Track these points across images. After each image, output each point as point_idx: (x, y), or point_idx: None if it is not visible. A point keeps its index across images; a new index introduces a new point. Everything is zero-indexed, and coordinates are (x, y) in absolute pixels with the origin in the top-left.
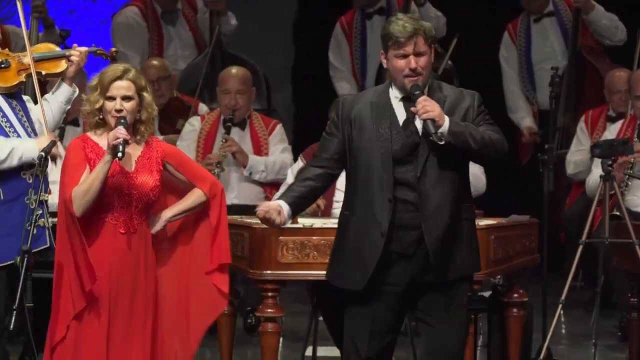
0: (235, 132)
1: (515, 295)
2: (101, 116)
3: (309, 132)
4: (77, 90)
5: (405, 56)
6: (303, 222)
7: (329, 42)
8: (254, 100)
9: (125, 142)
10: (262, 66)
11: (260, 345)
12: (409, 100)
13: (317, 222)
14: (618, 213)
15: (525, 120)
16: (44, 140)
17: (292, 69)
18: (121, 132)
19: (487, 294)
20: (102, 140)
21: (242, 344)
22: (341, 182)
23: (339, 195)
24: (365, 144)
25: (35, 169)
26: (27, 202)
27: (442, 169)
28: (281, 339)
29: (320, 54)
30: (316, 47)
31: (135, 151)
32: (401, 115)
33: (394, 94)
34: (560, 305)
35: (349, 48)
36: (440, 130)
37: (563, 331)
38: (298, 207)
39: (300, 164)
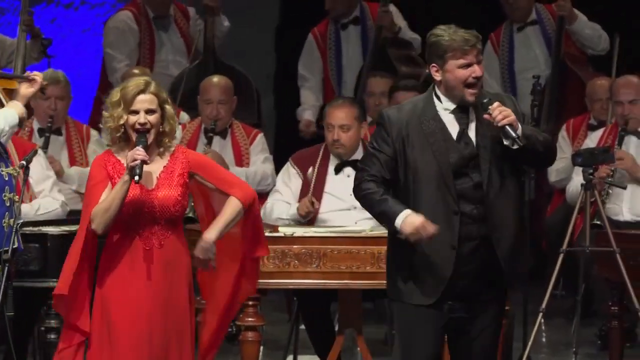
0: (216, 141)
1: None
2: (123, 131)
3: (290, 140)
4: (26, 114)
5: (468, 65)
6: (284, 231)
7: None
8: (244, 111)
9: (144, 163)
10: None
11: (241, 354)
12: (460, 111)
13: (298, 231)
14: (598, 222)
15: None
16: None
17: (274, 77)
18: (139, 153)
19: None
20: (122, 154)
21: (223, 353)
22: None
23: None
24: (420, 160)
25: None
26: (4, 198)
27: (503, 177)
28: (261, 348)
29: None
30: (298, 54)
31: (158, 165)
32: (452, 127)
33: (443, 106)
34: (540, 314)
35: (322, 59)
36: (516, 134)
37: (544, 340)
38: None
39: (289, 168)
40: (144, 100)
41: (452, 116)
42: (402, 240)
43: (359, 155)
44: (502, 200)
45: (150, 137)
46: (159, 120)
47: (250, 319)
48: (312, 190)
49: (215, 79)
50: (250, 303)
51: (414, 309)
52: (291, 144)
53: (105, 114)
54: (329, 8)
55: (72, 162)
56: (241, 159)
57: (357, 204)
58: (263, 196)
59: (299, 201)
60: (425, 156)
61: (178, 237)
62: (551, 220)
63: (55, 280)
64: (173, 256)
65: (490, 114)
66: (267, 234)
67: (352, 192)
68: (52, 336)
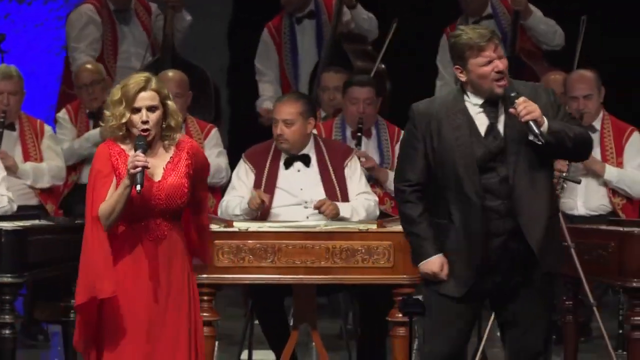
0: None
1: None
2: (125, 129)
3: (245, 134)
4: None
5: (489, 61)
6: (239, 225)
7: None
8: (202, 107)
9: (145, 168)
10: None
11: None
12: (489, 104)
13: (253, 226)
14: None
15: None
16: None
17: (228, 71)
18: (140, 159)
19: (422, 297)
20: (128, 148)
21: None
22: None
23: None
24: (446, 155)
25: None
26: None
27: (532, 170)
28: (216, 343)
29: (253, 58)
30: (252, 48)
31: (163, 158)
32: (480, 122)
33: (472, 101)
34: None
35: (278, 53)
36: (542, 130)
37: (498, 334)
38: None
39: (242, 165)
40: (145, 98)
41: (481, 110)
42: (440, 228)
43: (309, 149)
44: (530, 193)
45: (150, 136)
46: (160, 117)
47: (205, 314)
48: (264, 185)
49: (171, 73)
50: (205, 298)
51: (442, 299)
52: (246, 137)
53: (106, 112)
54: (284, 2)
55: (26, 157)
56: None
57: (308, 198)
58: (217, 189)
59: None
60: (452, 152)
61: (180, 229)
62: None
63: (9, 275)
64: (175, 248)
65: (515, 109)
66: (221, 229)
67: (302, 187)
68: (7, 332)
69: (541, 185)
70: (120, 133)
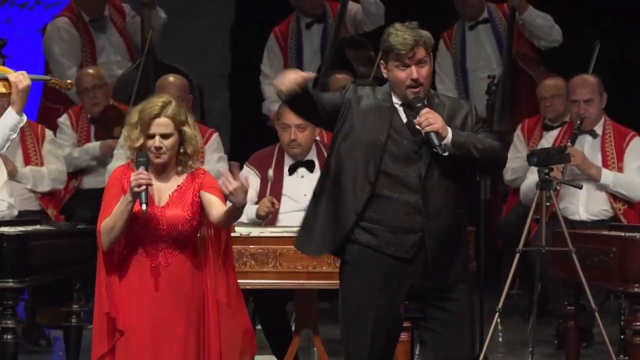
0: None
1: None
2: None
3: (246, 139)
4: (24, 118)
5: (406, 66)
6: (240, 231)
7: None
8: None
9: (148, 185)
10: (198, 72)
11: None
12: (408, 106)
13: (255, 231)
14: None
15: None
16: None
17: (229, 76)
18: (143, 177)
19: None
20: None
21: None
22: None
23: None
24: (362, 136)
25: None
26: None
27: (444, 173)
28: None
29: (257, 60)
30: (253, 52)
31: (172, 183)
32: (404, 117)
33: (395, 100)
34: (497, 314)
35: (284, 59)
36: (444, 142)
37: (500, 339)
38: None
39: (247, 170)
40: (159, 125)
41: (401, 109)
42: (316, 195)
43: (312, 155)
44: (441, 194)
45: (162, 160)
46: (175, 144)
47: None
48: (270, 192)
49: (171, 78)
50: None
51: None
52: (247, 142)
53: (124, 132)
54: (299, 5)
55: (27, 161)
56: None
57: None
58: None
59: (258, 200)
60: (368, 123)
61: (187, 258)
62: (507, 220)
63: (10, 280)
64: (180, 276)
65: (418, 119)
66: None
67: (305, 193)
68: (9, 337)
69: (451, 189)
70: (135, 154)
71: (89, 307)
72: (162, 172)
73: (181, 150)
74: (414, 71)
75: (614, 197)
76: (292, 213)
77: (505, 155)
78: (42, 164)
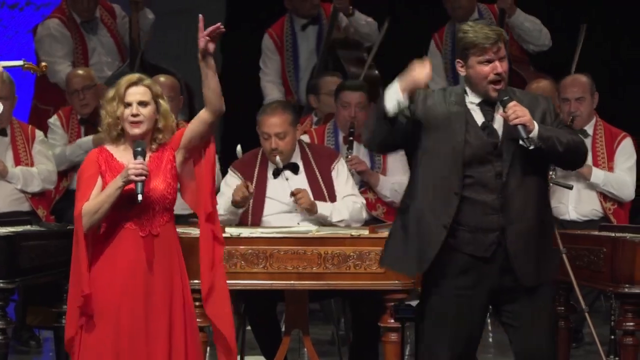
0: None
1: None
2: (120, 127)
3: (237, 140)
4: (1, 106)
5: (489, 62)
6: (230, 231)
7: (257, 49)
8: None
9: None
10: (187, 74)
11: None
12: (486, 104)
13: (245, 232)
14: None
15: None
16: None
17: (220, 77)
18: (143, 167)
19: (414, 302)
20: (119, 152)
21: None
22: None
23: (271, 206)
24: (439, 142)
25: None
26: None
27: (525, 172)
28: (208, 349)
29: (248, 61)
30: (245, 54)
31: (151, 161)
32: (479, 118)
33: (470, 100)
34: (487, 314)
35: (281, 59)
36: (530, 135)
37: (490, 340)
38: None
39: (230, 175)
40: (136, 92)
41: (477, 109)
42: (400, 212)
43: (296, 157)
44: (522, 193)
45: (142, 129)
46: (153, 114)
47: (197, 320)
48: (254, 196)
49: (162, 78)
50: (197, 304)
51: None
52: (238, 143)
53: (102, 112)
54: (293, 7)
55: (17, 162)
56: None
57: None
58: None
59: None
60: (443, 139)
61: (172, 224)
62: None
63: (0, 280)
64: (169, 242)
65: (505, 112)
66: None
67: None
68: None
69: (533, 187)
70: (115, 133)
71: None
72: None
73: (155, 126)
74: (497, 65)
75: (604, 196)
76: (277, 215)
77: (586, 151)
78: (32, 165)
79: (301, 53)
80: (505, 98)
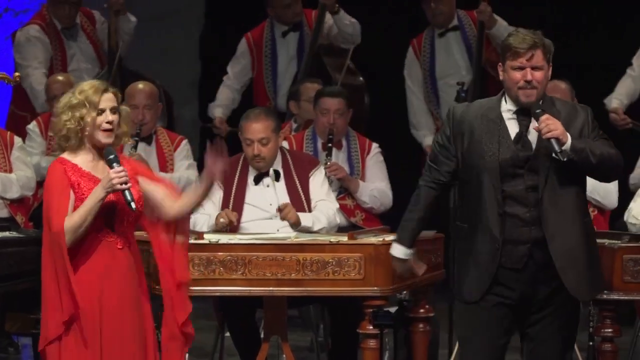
0: (141, 147)
1: (422, 310)
2: (79, 136)
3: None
4: None
5: (521, 68)
6: (209, 238)
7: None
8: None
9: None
10: (167, 80)
11: None
12: (522, 113)
13: (223, 238)
14: None
15: (427, 139)
16: None
17: (199, 84)
18: (124, 175)
19: (393, 309)
20: (85, 162)
21: None
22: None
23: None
24: (474, 158)
25: None
26: None
27: (562, 184)
28: (187, 355)
29: (227, 66)
30: (223, 62)
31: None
32: (512, 128)
33: (507, 107)
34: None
35: (257, 65)
36: (563, 148)
37: None
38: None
39: None
40: (108, 99)
41: (514, 117)
42: (459, 237)
43: (277, 165)
44: (559, 205)
45: (111, 138)
46: (118, 120)
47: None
48: (233, 202)
49: (141, 85)
50: None
51: (466, 306)
52: None
53: (62, 118)
54: (277, 15)
55: None
56: (165, 165)
57: (277, 214)
58: None
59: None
60: (479, 156)
61: (134, 235)
62: None
63: None
64: (137, 253)
65: (538, 125)
66: (192, 240)
67: (271, 202)
68: None
69: (570, 200)
70: (75, 141)
71: None
72: (101, 156)
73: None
74: (528, 73)
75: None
76: (256, 222)
77: (621, 164)
78: (10, 171)
79: (280, 59)
80: (538, 111)
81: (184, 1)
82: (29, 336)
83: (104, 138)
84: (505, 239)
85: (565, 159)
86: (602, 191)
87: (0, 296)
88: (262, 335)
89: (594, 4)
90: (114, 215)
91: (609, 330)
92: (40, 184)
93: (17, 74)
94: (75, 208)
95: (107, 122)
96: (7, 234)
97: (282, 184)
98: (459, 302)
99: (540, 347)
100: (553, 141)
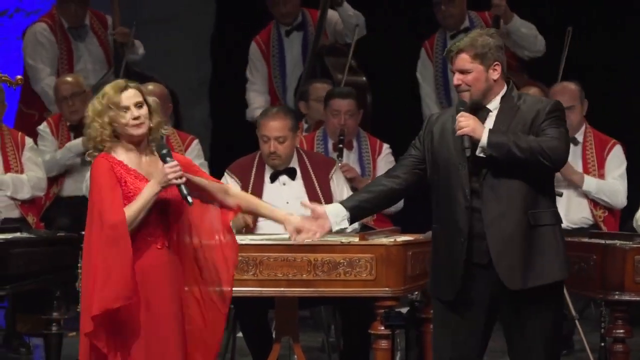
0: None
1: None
2: (112, 136)
3: (226, 147)
4: None
5: (454, 72)
6: None
7: (246, 57)
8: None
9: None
10: (178, 81)
11: None
12: (472, 111)
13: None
14: None
15: None
16: None
17: (210, 84)
18: (178, 169)
19: (404, 310)
20: (121, 155)
21: None
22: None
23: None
24: (440, 155)
25: None
26: None
27: (499, 176)
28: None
29: (237, 68)
30: (234, 62)
31: (157, 163)
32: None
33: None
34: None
35: (267, 67)
36: (480, 144)
37: None
38: (359, 212)
39: (227, 178)
40: (130, 96)
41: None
42: (433, 237)
43: (294, 163)
44: (497, 196)
45: (144, 129)
46: (148, 114)
47: None
48: None
49: (150, 86)
50: None
51: (439, 303)
52: (227, 150)
53: (94, 126)
54: (278, 15)
55: (7, 169)
56: None
57: (293, 211)
58: None
59: None
60: (449, 152)
61: (182, 237)
62: None
63: None
64: (179, 256)
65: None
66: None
67: (287, 201)
68: None
69: (509, 192)
70: (109, 143)
71: (69, 315)
72: (142, 150)
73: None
74: (455, 77)
75: (595, 204)
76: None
77: (561, 155)
78: (22, 172)
79: (287, 59)
80: (460, 109)
81: (194, 1)
82: (40, 337)
83: (136, 131)
84: (473, 233)
85: (481, 155)
86: (608, 191)
87: (12, 297)
88: (273, 336)
89: (594, 4)
90: (155, 215)
91: (621, 331)
92: (51, 182)
93: (19, 77)
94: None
95: (134, 118)
96: (18, 234)
97: (299, 182)
98: (434, 300)
99: (523, 343)
100: (465, 138)
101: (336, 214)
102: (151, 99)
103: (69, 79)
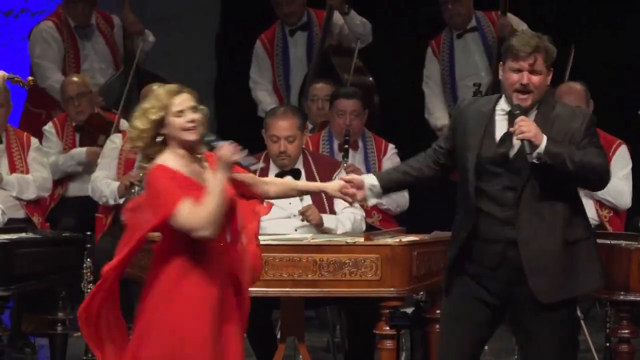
0: None
1: (438, 311)
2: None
3: None
4: None
5: (520, 71)
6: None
7: (251, 56)
8: None
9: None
10: (183, 81)
11: None
12: (512, 114)
13: None
14: None
15: (441, 120)
16: None
17: (215, 83)
18: (231, 147)
19: (409, 310)
20: (173, 163)
21: None
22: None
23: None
24: (461, 154)
25: None
26: None
27: (545, 188)
28: None
29: (242, 68)
30: (239, 61)
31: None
32: (500, 128)
33: (501, 106)
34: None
35: (271, 64)
36: (537, 151)
37: (486, 347)
38: (392, 185)
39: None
40: (185, 99)
41: (505, 117)
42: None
43: (299, 164)
44: (537, 209)
45: (198, 132)
46: (202, 119)
47: None
48: None
49: (157, 86)
50: None
51: (446, 299)
52: None
53: (137, 125)
54: (282, 14)
55: (13, 169)
56: None
57: (296, 212)
58: None
59: None
60: (465, 150)
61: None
62: None
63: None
64: (236, 252)
65: (513, 127)
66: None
67: (290, 201)
68: None
69: (550, 208)
70: (156, 147)
71: (74, 315)
72: (194, 155)
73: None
74: (525, 76)
75: (601, 204)
76: (277, 220)
77: (605, 176)
78: (27, 172)
79: (291, 59)
80: (516, 112)
81: (200, 1)
82: (46, 337)
83: (189, 135)
84: (481, 237)
85: (537, 162)
86: (613, 192)
87: (17, 297)
88: (278, 336)
89: (594, 4)
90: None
91: (626, 331)
92: (57, 183)
93: (30, 78)
94: None
95: (189, 122)
96: (23, 234)
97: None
98: (443, 298)
99: (535, 348)
100: (525, 142)
101: (372, 187)
102: (202, 107)
103: (75, 79)
